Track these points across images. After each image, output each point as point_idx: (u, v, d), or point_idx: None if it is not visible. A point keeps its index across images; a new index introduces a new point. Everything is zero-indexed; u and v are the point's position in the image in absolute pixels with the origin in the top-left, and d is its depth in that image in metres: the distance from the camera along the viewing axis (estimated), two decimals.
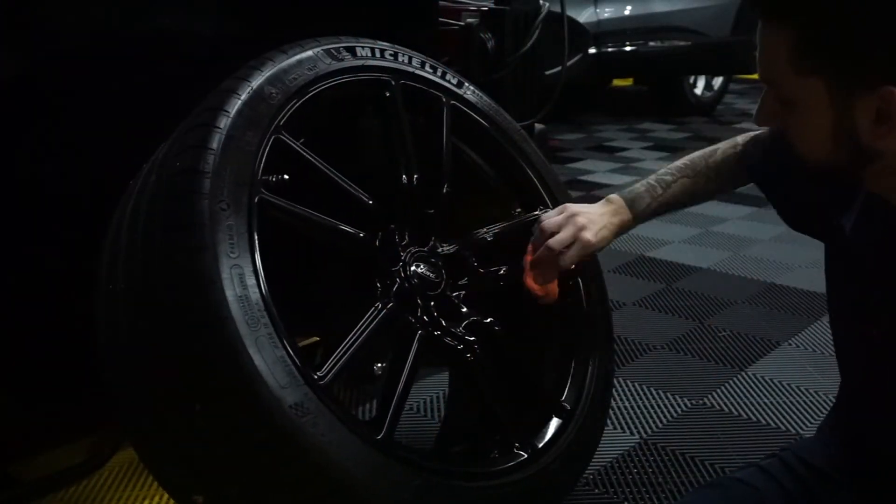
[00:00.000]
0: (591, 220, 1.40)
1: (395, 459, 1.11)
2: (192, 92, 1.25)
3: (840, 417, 1.36)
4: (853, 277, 1.20)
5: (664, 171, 1.47)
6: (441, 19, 2.18)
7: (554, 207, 1.62)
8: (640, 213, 1.44)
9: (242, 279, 1.06)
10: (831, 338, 1.37)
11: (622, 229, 1.44)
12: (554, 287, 1.45)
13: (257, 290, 1.07)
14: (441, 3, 2.16)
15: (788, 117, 1.04)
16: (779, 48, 0.98)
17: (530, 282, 1.43)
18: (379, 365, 1.42)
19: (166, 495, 1.22)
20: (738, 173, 1.42)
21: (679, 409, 2.04)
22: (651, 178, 1.47)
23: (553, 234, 1.41)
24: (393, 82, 1.45)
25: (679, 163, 1.47)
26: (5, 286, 1.40)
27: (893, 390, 1.17)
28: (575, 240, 1.39)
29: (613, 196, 1.46)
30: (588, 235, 1.39)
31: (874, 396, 1.22)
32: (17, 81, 1.36)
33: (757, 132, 1.39)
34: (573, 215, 1.41)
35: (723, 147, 1.45)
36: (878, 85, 0.93)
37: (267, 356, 1.03)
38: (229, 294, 1.04)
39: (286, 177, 1.24)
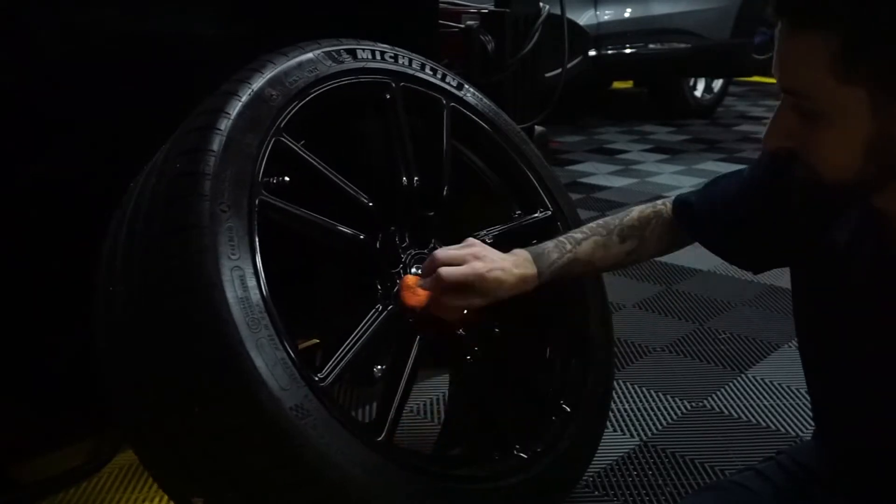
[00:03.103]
0: (489, 256, 1.30)
1: (394, 462, 1.12)
2: (194, 93, 1.25)
3: (826, 430, 1.32)
4: (847, 293, 1.15)
5: (577, 230, 1.42)
6: (441, 22, 2.18)
7: (554, 209, 1.62)
8: (546, 268, 1.34)
9: (243, 281, 1.06)
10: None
11: (524, 282, 1.32)
12: (423, 297, 1.30)
13: (258, 292, 1.07)
14: (441, 5, 2.16)
15: (811, 133, 0.97)
16: (817, 56, 0.92)
17: (408, 279, 1.33)
18: (379, 367, 1.43)
19: (166, 497, 1.22)
20: (664, 234, 1.39)
21: (679, 412, 2.04)
22: (562, 236, 1.40)
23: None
24: (393, 84, 1.46)
25: (592, 223, 1.42)
26: (5, 289, 1.40)
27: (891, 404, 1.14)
28: (464, 262, 1.28)
29: (519, 250, 1.36)
30: (480, 264, 1.28)
31: (870, 412, 1.19)
32: (16, 82, 1.36)
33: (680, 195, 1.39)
34: (472, 245, 1.33)
35: (639, 208, 1.42)
36: None
37: (267, 358, 1.03)
38: (230, 296, 1.04)
39: (287, 178, 1.24)
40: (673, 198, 1.41)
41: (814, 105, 0.96)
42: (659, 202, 1.41)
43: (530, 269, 1.34)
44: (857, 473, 1.24)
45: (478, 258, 1.29)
